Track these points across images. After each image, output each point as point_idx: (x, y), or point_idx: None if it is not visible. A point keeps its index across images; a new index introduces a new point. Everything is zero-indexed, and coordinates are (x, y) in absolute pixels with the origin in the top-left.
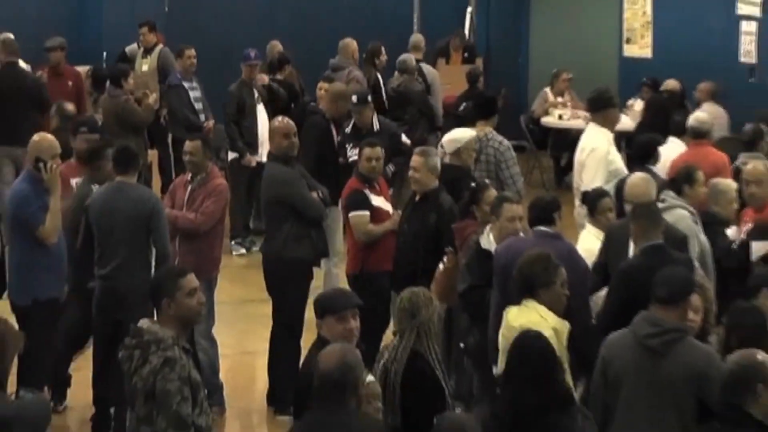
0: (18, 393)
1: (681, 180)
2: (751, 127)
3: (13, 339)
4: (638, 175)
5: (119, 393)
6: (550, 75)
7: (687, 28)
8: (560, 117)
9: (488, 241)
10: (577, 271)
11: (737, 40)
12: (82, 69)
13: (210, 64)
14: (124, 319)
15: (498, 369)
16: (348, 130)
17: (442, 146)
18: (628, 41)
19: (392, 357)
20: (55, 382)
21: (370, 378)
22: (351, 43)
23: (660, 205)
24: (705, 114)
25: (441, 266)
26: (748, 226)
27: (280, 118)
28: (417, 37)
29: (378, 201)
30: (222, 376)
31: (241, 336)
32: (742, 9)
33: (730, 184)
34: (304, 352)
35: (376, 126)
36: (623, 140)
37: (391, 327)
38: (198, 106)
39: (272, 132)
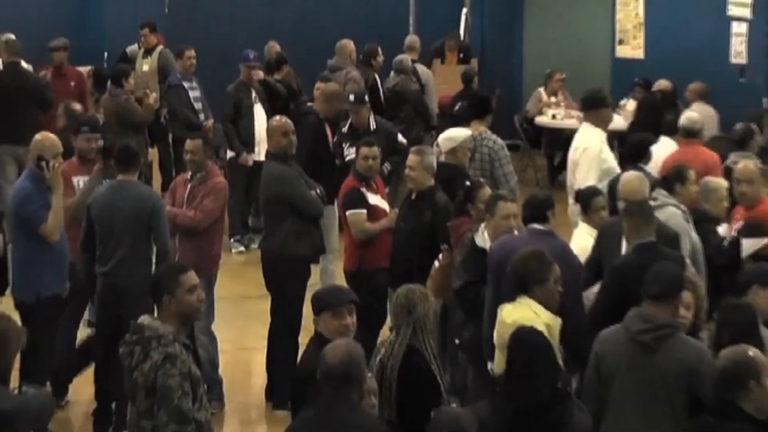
0: (21, 388)
1: (672, 178)
2: (741, 126)
3: (16, 335)
4: (631, 174)
5: (120, 388)
6: (543, 75)
7: (678, 30)
8: (554, 116)
9: (483, 238)
10: (570, 269)
11: (728, 41)
12: (84, 69)
13: (209, 65)
14: (125, 316)
15: (495, 365)
16: (345, 129)
17: (437, 145)
18: (620, 42)
19: (389, 352)
20: (56, 380)
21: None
22: (348, 44)
23: (652, 203)
24: (696, 114)
25: (436, 263)
26: (738, 224)
27: (278, 117)
28: (412, 38)
29: (375, 199)
30: (221, 371)
31: (239, 332)
32: (733, 11)
33: (720, 182)
34: (301, 349)
35: (373, 125)
36: (616, 139)
37: (388, 323)
38: (198, 105)
39: (271, 130)
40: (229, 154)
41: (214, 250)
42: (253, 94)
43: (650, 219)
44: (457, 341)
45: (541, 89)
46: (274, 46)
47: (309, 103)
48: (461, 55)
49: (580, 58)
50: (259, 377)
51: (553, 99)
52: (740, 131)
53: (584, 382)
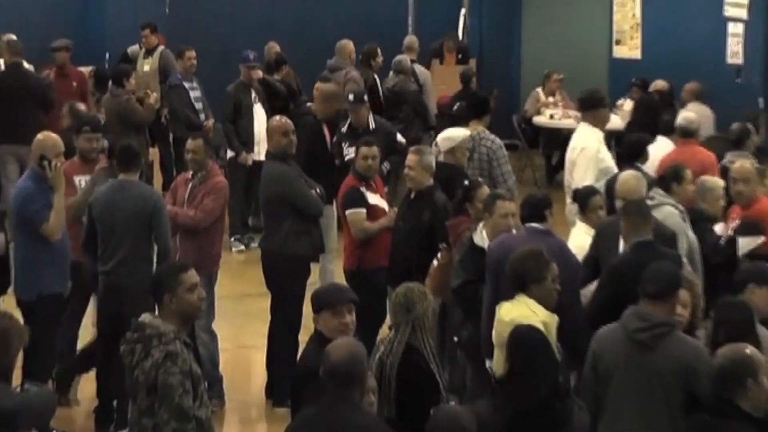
0: (23, 386)
1: (669, 178)
2: (737, 126)
3: (18, 333)
4: (629, 173)
5: (121, 386)
6: (541, 75)
7: (675, 30)
8: (551, 116)
9: (481, 237)
10: (568, 267)
11: (724, 41)
12: (85, 69)
13: (210, 65)
14: (126, 314)
15: (494, 364)
16: (344, 129)
17: (436, 145)
18: (617, 43)
19: (388, 350)
20: (58, 378)
21: None
22: (348, 45)
23: (649, 202)
24: (693, 114)
25: (435, 262)
26: (735, 223)
27: (278, 117)
28: (411, 39)
29: (374, 199)
30: (221, 369)
31: (240, 330)
32: (730, 11)
33: (717, 181)
34: (301, 347)
35: (372, 125)
36: (613, 139)
37: (388, 321)
38: (198, 105)
39: (271, 130)
40: (229, 153)
41: (215, 249)
42: (253, 94)
43: (647, 218)
44: (455, 339)
45: (539, 89)
46: (273, 47)
47: (309, 104)
48: (460, 56)
49: (578, 58)
50: (259, 375)
51: (550, 99)
52: (737, 131)
53: (581, 380)
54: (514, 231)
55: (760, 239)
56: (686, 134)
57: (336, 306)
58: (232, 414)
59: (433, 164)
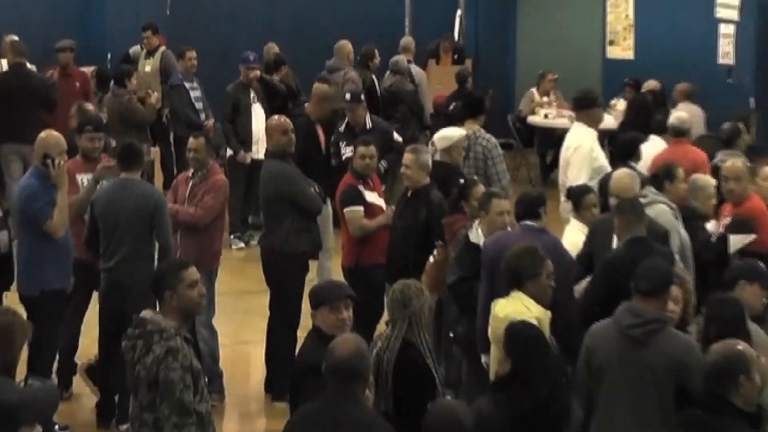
0: (26, 381)
1: (662, 176)
2: (729, 125)
3: (22, 329)
4: (623, 171)
5: (123, 381)
6: (536, 76)
7: (668, 31)
8: (546, 116)
9: (477, 235)
10: (562, 264)
11: (716, 42)
12: (87, 69)
13: (210, 65)
14: (128, 311)
15: (491, 359)
16: (342, 128)
17: (433, 144)
18: (611, 43)
19: (385, 346)
20: (60, 373)
21: None
22: (346, 45)
23: (642, 200)
24: (685, 113)
25: (431, 259)
26: (726, 221)
27: (277, 116)
28: (407, 40)
29: (372, 197)
30: (221, 364)
31: (239, 326)
32: (721, 12)
33: (708, 180)
34: (299, 343)
35: (369, 124)
36: (606, 138)
37: (385, 317)
38: (198, 105)
39: (270, 129)
40: (229, 152)
41: (215, 247)
42: (252, 94)
43: (641, 216)
44: (451, 335)
45: (534, 89)
46: (272, 48)
47: (306, 104)
48: (456, 56)
49: (572, 59)
50: (259, 370)
51: (545, 99)
52: (728, 130)
53: (575, 375)
54: (509, 228)
55: (751, 237)
56: (678, 133)
57: (333, 302)
58: (232, 408)
59: (430, 163)
